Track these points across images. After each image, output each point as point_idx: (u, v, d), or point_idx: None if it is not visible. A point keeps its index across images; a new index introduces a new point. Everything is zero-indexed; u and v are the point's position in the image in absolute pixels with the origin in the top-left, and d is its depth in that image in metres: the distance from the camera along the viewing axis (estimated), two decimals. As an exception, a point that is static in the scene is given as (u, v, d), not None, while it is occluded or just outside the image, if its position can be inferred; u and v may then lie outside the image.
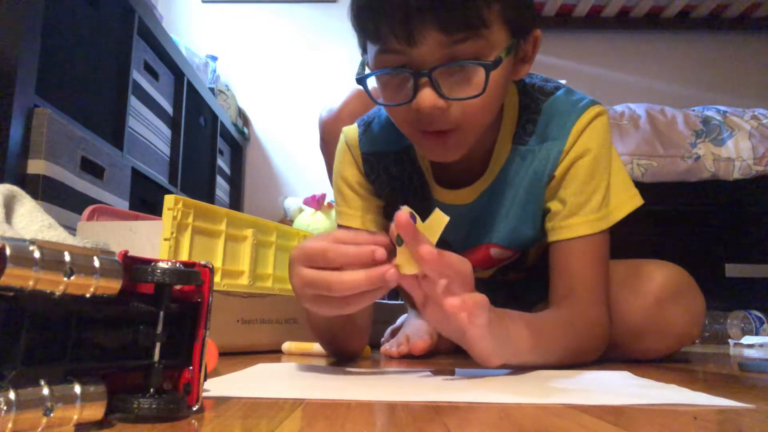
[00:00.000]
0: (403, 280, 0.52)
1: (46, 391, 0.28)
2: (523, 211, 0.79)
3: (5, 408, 0.26)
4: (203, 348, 0.36)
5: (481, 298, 0.52)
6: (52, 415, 0.28)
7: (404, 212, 0.47)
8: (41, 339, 0.29)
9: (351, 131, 0.87)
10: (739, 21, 2.66)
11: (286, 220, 2.16)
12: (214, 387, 0.47)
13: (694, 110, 1.94)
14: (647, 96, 2.38)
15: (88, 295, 0.30)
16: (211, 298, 0.37)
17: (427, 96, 0.63)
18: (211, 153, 2.15)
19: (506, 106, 0.78)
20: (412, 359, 0.86)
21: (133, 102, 1.45)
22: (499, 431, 0.33)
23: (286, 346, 0.92)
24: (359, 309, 0.55)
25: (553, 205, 0.77)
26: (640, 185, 0.86)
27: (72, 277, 0.29)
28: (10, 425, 0.26)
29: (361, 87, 0.69)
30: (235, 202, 2.47)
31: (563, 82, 0.84)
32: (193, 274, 0.36)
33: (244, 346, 0.90)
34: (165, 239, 0.78)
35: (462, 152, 0.71)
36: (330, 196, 1.97)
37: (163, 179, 1.65)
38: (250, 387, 0.49)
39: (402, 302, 1.18)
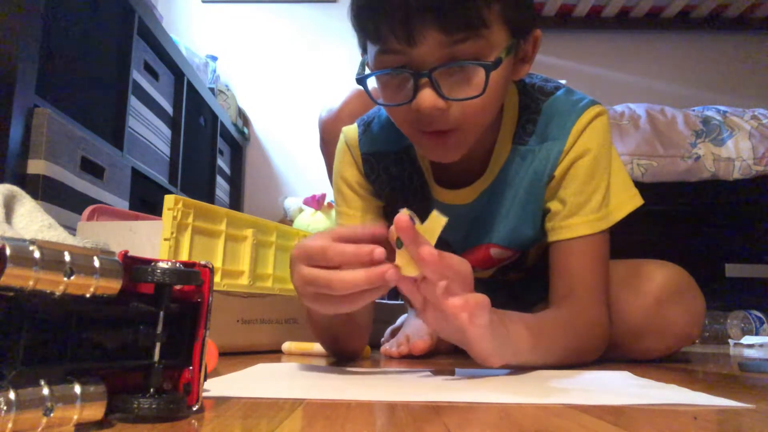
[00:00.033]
0: (402, 284, 0.52)
1: (46, 391, 0.28)
2: (523, 211, 0.80)
3: (5, 408, 0.26)
4: (203, 348, 0.36)
5: (483, 298, 0.52)
6: (52, 415, 0.28)
7: (404, 215, 0.47)
8: (41, 339, 0.29)
9: (351, 131, 0.87)
10: (739, 21, 2.66)
11: (286, 220, 2.16)
12: (214, 387, 0.47)
13: (694, 110, 1.94)
14: (647, 96, 2.38)
15: (88, 295, 0.30)
16: (211, 298, 0.37)
17: (427, 96, 0.63)
18: (211, 153, 2.15)
19: (506, 106, 0.78)
20: (412, 359, 0.86)
21: (133, 102, 1.45)
22: (499, 431, 0.33)
23: (286, 346, 0.92)
24: (359, 307, 0.55)
25: (553, 205, 0.77)
26: (640, 185, 0.86)
27: (72, 277, 0.29)
28: (10, 425, 0.26)
29: (361, 87, 0.69)
30: (235, 202, 2.47)
31: (563, 82, 0.84)
32: (193, 274, 0.36)
33: (244, 346, 0.90)
34: (165, 239, 0.78)
35: (462, 152, 0.71)
36: (330, 196, 1.97)
37: (163, 179, 1.65)
38: (250, 387, 0.49)
39: (402, 302, 1.18)
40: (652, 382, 0.55)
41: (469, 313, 0.50)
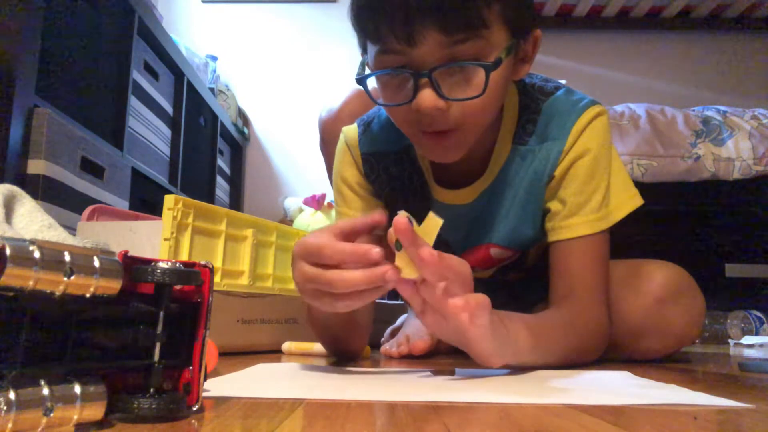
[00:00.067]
0: (401, 287, 0.52)
1: (46, 391, 0.28)
2: (523, 211, 0.79)
3: (5, 408, 0.26)
4: (203, 348, 0.36)
5: (483, 298, 0.52)
6: (52, 415, 0.28)
7: (402, 217, 0.47)
8: (41, 339, 0.29)
9: (351, 131, 0.87)
10: (739, 21, 2.66)
11: (286, 220, 2.16)
12: (214, 387, 0.47)
13: (694, 110, 1.94)
14: (647, 96, 2.38)
15: (88, 295, 0.30)
16: (211, 298, 0.37)
17: (427, 96, 0.63)
18: (211, 153, 2.15)
19: (506, 106, 0.78)
20: (412, 359, 0.86)
21: (133, 102, 1.45)
22: (499, 431, 0.33)
23: (286, 346, 0.92)
24: (359, 306, 0.55)
25: (553, 205, 0.77)
26: (640, 185, 0.86)
27: (72, 277, 0.29)
28: (10, 425, 0.26)
29: (361, 87, 0.69)
30: (235, 202, 2.47)
31: (563, 82, 0.84)
32: (193, 274, 0.36)
33: (244, 346, 0.90)
34: (165, 239, 0.78)
35: (462, 152, 0.71)
36: (330, 196, 1.97)
37: (163, 179, 1.66)
38: (250, 387, 0.49)
39: (402, 302, 1.18)
40: (652, 382, 0.55)
41: (469, 313, 0.50)
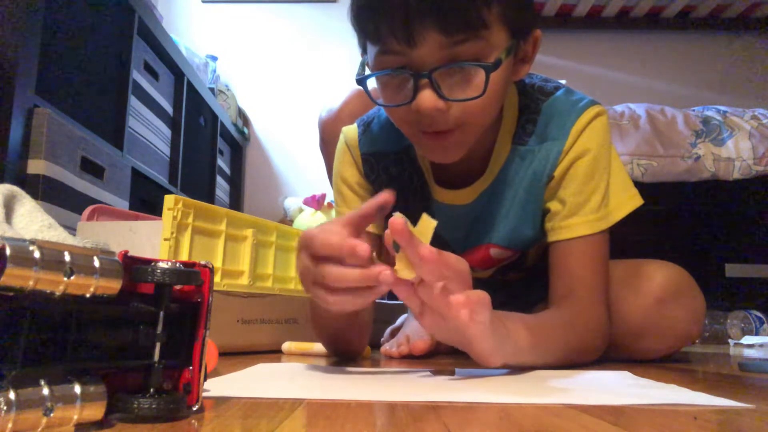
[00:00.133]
0: (399, 289, 0.52)
1: (46, 391, 0.28)
2: (522, 211, 0.80)
3: (5, 408, 0.26)
4: (203, 348, 0.36)
5: (484, 295, 0.52)
6: (52, 415, 0.28)
7: (398, 218, 0.47)
8: (41, 339, 0.29)
9: (350, 131, 0.87)
10: (739, 21, 2.66)
11: (286, 220, 2.16)
12: (214, 387, 0.47)
13: (694, 110, 1.94)
14: (647, 96, 2.38)
15: (88, 295, 0.30)
16: (211, 298, 0.37)
17: (427, 97, 0.63)
18: (211, 153, 2.15)
19: (506, 107, 0.78)
20: (412, 359, 0.86)
21: (133, 102, 1.46)
22: (499, 431, 0.33)
23: (286, 346, 0.92)
24: (352, 308, 0.55)
25: (553, 206, 0.77)
26: (640, 185, 0.86)
27: (72, 277, 0.29)
28: (10, 425, 0.26)
29: (361, 87, 0.69)
30: (235, 202, 2.47)
31: (563, 82, 0.84)
32: (193, 274, 0.36)
33: (244, 346, 0.90)
34: (165, 239, 0.78)
35: (462, 153, 0.71)
36: (330, 196, 1.97)
37: (163, 179, 1.66)
38: (250, 387, 0.49)
39: (402, 302, 1.18)
40: (652, 382, 0.55)
41: (470, 309, 0.50)
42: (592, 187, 0.75)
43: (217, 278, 0.86)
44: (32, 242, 0.28)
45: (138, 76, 1.49)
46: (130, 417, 0.33)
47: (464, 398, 0.44)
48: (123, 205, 1.29)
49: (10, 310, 0.28)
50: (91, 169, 1.16)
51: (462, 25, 0.61)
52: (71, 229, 0.78)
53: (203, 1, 2.67)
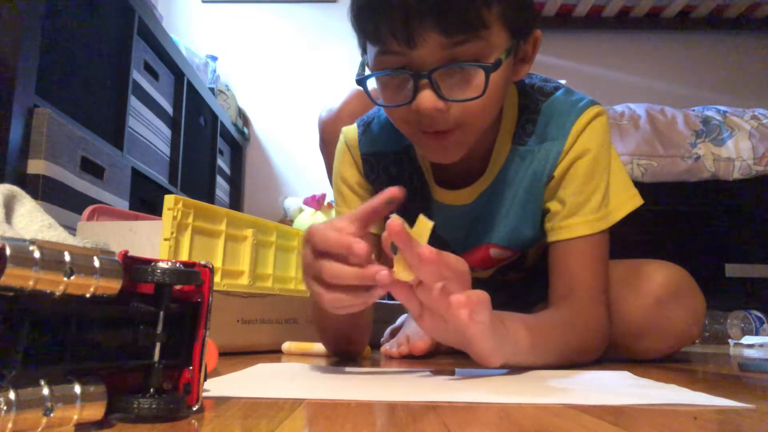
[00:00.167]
0: (398, 291, 0.52)
1: (46, 391, 0.28)
2: (522, 211, 0.80)
3: (5, 408, 0.26)
4: (203, 348, 0.36)
5: (484, 294, 0.52)
6: (52, 415, 0.28)
7: (395, 220, 0.47)
8: (41, 339, 0.29)
9: (350, 132, 0.87)
10: (739, 21, 2.66)
11: (286, 220, 2.16)
12: (214, 387, 0.47)
13: (694, 110, 1.94)
14: (647, 96, 2.38)
15: (88, 295, 0.30)
16: (211, 298, 0.37)
17: (427, 97, 0.63)
18: (211, 153, 2.15)
19: (506, 107, 0.78)
20: (412, 359, 0.86)
21: (133, 102, 1.46)
22: (499, 431, 0.33)
23: (286, 346, 0.92)
24: (348, 310, 0.54)
25: (553, 206, 0.77)
26: (640, 185, 0.86)
27: (72, 277, 0.29)
28: (10, 425, 0.26)
29: (360, 87, 0.69)
30: (235, 202, 2.47)
31: (563, 82, 0.84)
32: (193, 274, 0.36)
33: (244, 346, 0.90)
34: (165, 239, 0.78)
35: (462, 153, 0.71)
36: (330, 196, 1.97)
37: (163, 179, 1.66)
38: (250, 387, 0.49)
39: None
40: (652, 382, 0.55)
41: (470, 309, 0.50)
42: (592, 187, 0.75)
43: (217, 278, 0.86)
44: (32, 242, 0.28)
45: (138, 76, 1.49)
46: (130, 417, 0.33)
47: (464, 398, 0.44)
48: (123, 205, 1.29)
49: (10, 310, 0.28)
50: (91, 169, 1.16)
51: (462, 25, 0.61)
52: (71, 229, 0.78)
53: (203, 1, 2.67)
